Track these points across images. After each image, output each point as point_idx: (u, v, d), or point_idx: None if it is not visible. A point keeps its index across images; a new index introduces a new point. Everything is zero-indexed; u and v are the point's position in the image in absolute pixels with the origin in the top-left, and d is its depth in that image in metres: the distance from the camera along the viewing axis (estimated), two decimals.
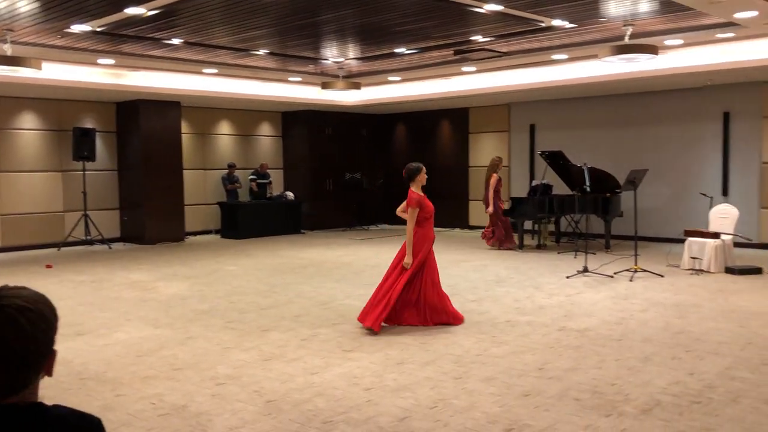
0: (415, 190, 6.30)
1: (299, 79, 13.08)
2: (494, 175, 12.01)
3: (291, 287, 8.42)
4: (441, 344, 5.64)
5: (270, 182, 15.21)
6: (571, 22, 8.47)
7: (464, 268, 9.90)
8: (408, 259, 6.15)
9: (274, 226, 14.75)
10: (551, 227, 12.92)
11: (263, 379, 4.78)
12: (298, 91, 14.06)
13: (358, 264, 10.41)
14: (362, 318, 6.19)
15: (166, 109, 13.54)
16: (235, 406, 4.24)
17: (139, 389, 4.61)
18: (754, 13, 7.57)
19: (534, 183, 12.46)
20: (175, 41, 9.42)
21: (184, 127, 14.46)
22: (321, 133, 15.94)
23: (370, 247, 12.70)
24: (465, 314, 6.69)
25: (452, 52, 10.47)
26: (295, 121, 15.94)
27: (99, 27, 8.46)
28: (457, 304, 7.28)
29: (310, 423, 3.92)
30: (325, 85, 11.81)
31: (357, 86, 11.91)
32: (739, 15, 7.62)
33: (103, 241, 13.14)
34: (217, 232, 14.91)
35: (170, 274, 9.55)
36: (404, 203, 6.39)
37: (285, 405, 4.23)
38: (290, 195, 15.26)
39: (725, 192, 11.90)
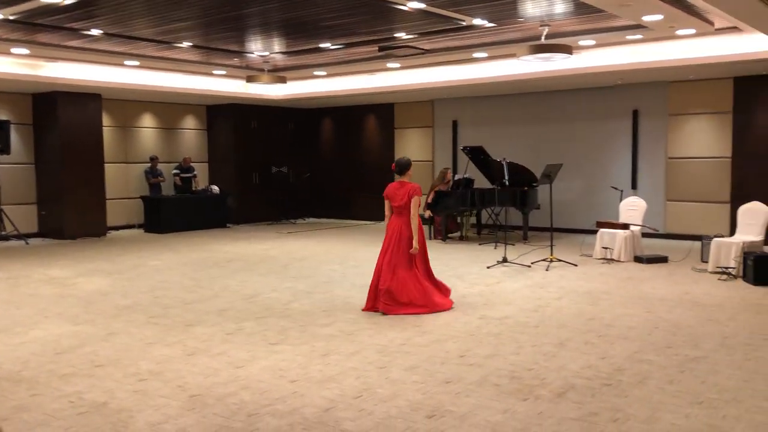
0: (406, 181, 6.64)
1: (224, 72, 12.81)
2: (440, 184, 12.25)
3: (216, 281, 8.26)
4: (366, 335, 5.66)
5: (195, 176, 14.87)
6: (490, 22, 8.62)
7: None
8: (416, 245, 6.42)
9: (199, 221, 14.43)
10: (473, 219, 13.15)
11: (187, 373, 4.67)
12: (223, 84, 13.78)
13: (284, 257, 10.32)
14: (434, 305, 6.41)
15: (86, 101, 13.01)
16: (158, 401, 4.12)
17: (57, 388, 4.41)
18: (659, 17, 7.89)
19: (456, 177, 12.63)
20: (95, 32, 9.05)
21: (105, 120, 13.94)
22: (247, 126, 15.69)
23: (297, 240, 12.61)
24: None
25: (377, 48, 10.48)
26: (220, 114, 15.62)
27: (12, 15, 8.03)
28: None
29: (234, 416, 3.86)
30: (250, 79, 11.62)
31: (283, 80, 11.77)
32: (647, 18, 7.93)
33: (19, 237, 12.52)
34: (140, 226, 14.47)
35: (91, 270, 9.20)
36: (390, 201, 6.60)
37: (209, 399, 4.15)
38: (215, 189, 14.96)
39: (634, 185, 12.40)
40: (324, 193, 17.01)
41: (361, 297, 7.23)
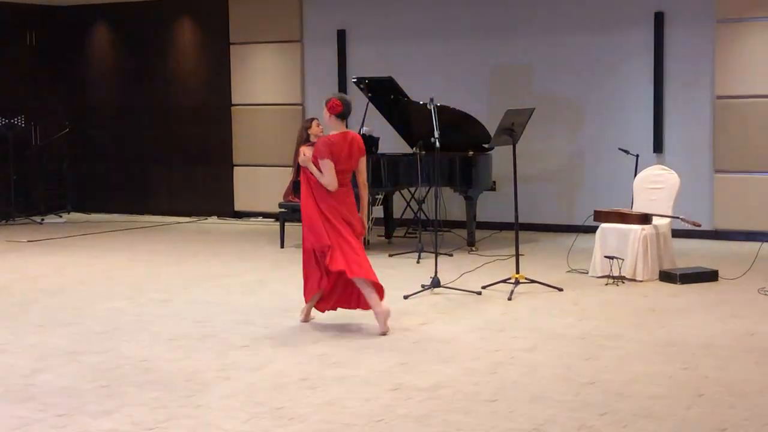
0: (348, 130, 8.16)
1: None
2: (306, 147, 12.15)
3: None
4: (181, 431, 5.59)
5: None
6: None
7: (228, 288, 9.87)
8: (365, 221, 8.28)
9: None
10: (377, 210, 13.17)
11: None
12: None
13: (22, 288, 10.10)
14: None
15: None
16: None
17: None
18: None
19: None
20: None
21: None
22: None
23: (47, 255, 12.35)
24: (230, 372, 6.77)
25: None
26: None
27: None
28: (212, 354, 7.33)
29: None
30: None
31: None
32: None
33: None
34: None
35: None
36: (337, 162, 7.86)
37: None
38: None
39: (658, 147, 12.84)
40: (96, 167, 16.61)
41: (173, 356, 7.17)
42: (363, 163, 8.09)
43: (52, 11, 16.49)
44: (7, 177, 15.57)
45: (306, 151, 12.27)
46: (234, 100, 15.51)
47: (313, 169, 7.89)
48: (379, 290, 7.89)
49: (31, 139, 15.95)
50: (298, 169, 12.42)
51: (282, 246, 12.48)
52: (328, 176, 7.80)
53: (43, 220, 15.79)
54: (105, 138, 16.53)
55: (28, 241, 13.49)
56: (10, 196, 15.66)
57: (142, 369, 6.87)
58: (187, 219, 15.62)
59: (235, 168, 15.57)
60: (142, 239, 13.71)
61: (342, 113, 7.95)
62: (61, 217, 16.23)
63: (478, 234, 12.34)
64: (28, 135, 15.89)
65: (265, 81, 15.19)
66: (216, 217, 15.68)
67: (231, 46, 15.49)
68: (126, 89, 16.41)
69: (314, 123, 12.52)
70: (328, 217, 7.87)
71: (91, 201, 16.67)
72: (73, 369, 6.92)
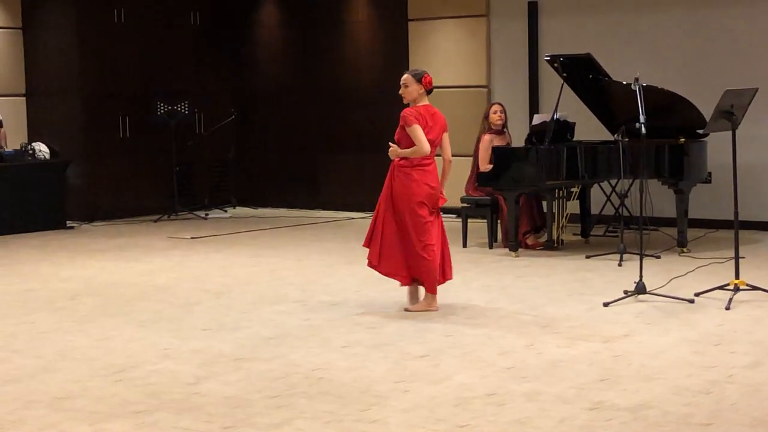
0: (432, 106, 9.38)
1: None
2: (490, 134, 12.14)
3: (46, 338, 8.28)
4: None
5: None
6: None
7: (404, 291, 9.87)
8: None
9: (13, 214, 14.46)
10: (572, 205, 13.06)
11: None
12: None
13: (185, 289, 10.34)
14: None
15: None
16: None
17: None
18: None
19: (538, 119, 12.57)
20: None
21: None
22: (105, 22, 15.68)
23: (210, 253, 12.65)
24: (408, 384, 6.78)
25: None
26: (48, 0, 15.65)
27: None
28: (389, 363, 7.37)
29: None
30: None
31: None
32: None
33: None
34: None
35: None
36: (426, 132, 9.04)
37: None
38: (42, 150, 14.95)
39: None
40: (263, 158, 16.90)
41: (346, 365, 7.25)
42: (446, 139, 9.27)
43: None
44: (170, 168, 16.00)
45: (487, 139, 12.24)
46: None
47: (403, 152, 9.12)
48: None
49: (195, 128, 16.31)
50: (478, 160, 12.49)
51: (464, 245, 12.45)
52: (419, 141, 8.89)
53: (207, 215, 16.18)
54: (272, 125, 16.83)
55: (191, 238, 13.85)
56: (172, 189, 16.06)
57: (314, 379, 6.95)
58: (361, 214, 15.68)
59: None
60: (311, 236, 13.91)
61: (431, 90, 9.41)
62: (225, 211, 16.61)
63: (691, 233, 12.13)
64: (192, 123, 16.25)
65: (446, 61, 15.19)
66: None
67: (409, 23, 15.58)
68: (295, 72, 16.67)
69: (492, 109, 12.37)
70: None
71: (258, 194, 17.01)
72: (239, 377, 7.04)
